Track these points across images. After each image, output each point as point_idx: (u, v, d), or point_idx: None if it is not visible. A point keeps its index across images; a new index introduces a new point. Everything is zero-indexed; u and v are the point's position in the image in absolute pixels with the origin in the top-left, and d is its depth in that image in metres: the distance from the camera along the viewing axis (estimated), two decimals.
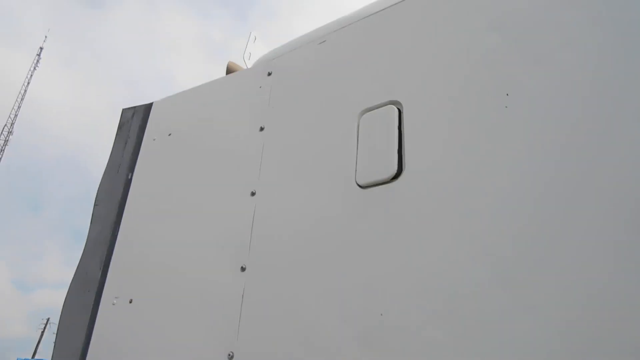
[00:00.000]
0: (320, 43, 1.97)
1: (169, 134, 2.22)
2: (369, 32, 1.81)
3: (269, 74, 2.06)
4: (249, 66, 2.40)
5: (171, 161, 2.12)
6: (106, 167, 2.33)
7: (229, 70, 2.65)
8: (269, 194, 1.73)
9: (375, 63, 1.72)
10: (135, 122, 2.43)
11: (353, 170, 1.56)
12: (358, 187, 1.52)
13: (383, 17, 1.78)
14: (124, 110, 2.52)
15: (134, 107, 2.51)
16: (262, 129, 1.91)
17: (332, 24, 2.00)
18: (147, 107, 2.43)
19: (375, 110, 1.61)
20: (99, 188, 2.26)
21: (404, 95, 1.57)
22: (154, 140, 2.25)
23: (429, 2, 1.65)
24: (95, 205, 2.23)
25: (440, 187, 1.33)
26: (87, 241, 2.13)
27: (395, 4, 1.76)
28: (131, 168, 2.23)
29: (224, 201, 1.83)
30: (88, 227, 2.16)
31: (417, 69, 1.58)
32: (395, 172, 1.45)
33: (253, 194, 1.77)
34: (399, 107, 1.56)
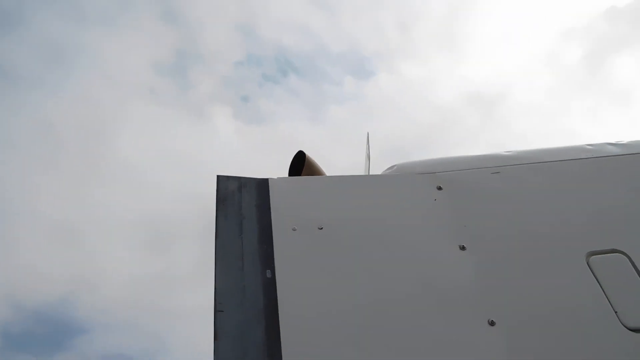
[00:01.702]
0: (494, 173, 2.01)
1: (320, 228, 1.75)
2: (560, 175, 1.98)
3: (439, 188, 1.94)
4: (371, 167, 2.19)
5: (339, 265, 1.65)
6: (218, 255, 1.61)
7: (308, 162, 2.35)
8: (514, 325, 1.54)
9: (580, 207, 1.87)
10: (247, 199, 1.82)
11: (610, 311, 1.57)
12: (627, 330, 1.53)
13: (579, 166, 2.00)
14: (222, 179, 1.86)
15: (238, 178, 1.89)
16: (463, 247, 1.74)
17: (502, 156, 2.09)
18: (261, 183, 1.87)
19: (604, 256, 1.72)
20: (217, 286, 1.52)
21: (628, 245, 1.74)
22: (295, 230, 1.72)
23: None
24: (217, 310, 1.47)
25: None
26: None
27: (592, 157, 2.01)
28: (267, 264, 1.62)
29: (444, 330, 1.52)
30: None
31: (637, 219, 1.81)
32: None
33: (492, 323, 1.54)
34: (627, 256, 1.72)
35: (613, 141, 2.21)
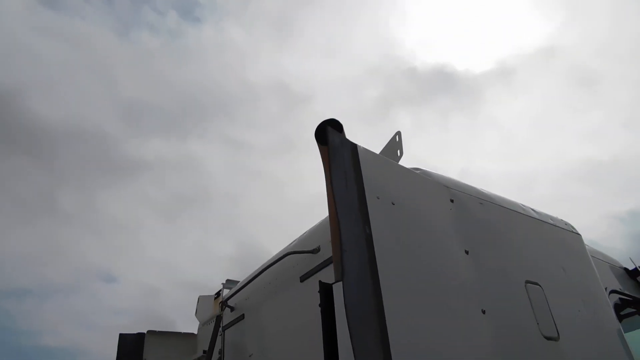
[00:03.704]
0: (480, 203, 2.66)
1: (393, 203, 2.07)
2: (514, 221, 2.74)
3: (452, 201, 2.48)
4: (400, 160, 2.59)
5: (406, 236, 2.01)
6: (338, 201, 1.78)
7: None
8: (500, 312, 2.18)
9: (522, 247, 2.66)
10: (346, 156, 2.00)
11: (535, 322, 2.36)
12: (544, 339, 2.33)
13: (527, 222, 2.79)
14: (330, 131, 1.99)
15: (340, 135, 2.04)
16: (467, 252, 2.30)
17: (484, 193, 2.74)
18: (353, 147, 2.07)
19: (532, 285, 2.52)
20: (343, 229, 1.71)
21: (541, 281, 2.59)
22: (378, 199, 2.00)
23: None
24: (343, 250, 1.67)
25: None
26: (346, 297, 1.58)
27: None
28: (365, 221, 1.86)
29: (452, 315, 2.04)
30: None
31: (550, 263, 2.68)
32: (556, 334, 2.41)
33: (484, 312, 2.14)
34: (540, 286, 2.55)
35: (533, 207, 3.13)
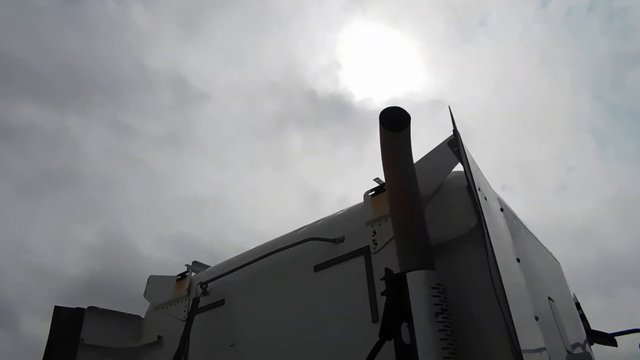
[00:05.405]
0: (514, 219, 2.80)
1: (485, 198, 2.08)
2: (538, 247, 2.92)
3: (502, 210, 2.57)
4: None
5: (494, 235, 2.03)
6: (474, 182, 1.75)
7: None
8: (544, 323, 2.27)
9: (540, 266, 2.83)
10: (458, 142, 1.97)
11: (559, 334, 2.50)
12: (567, 353, 2.48)
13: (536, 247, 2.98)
14: (451, 111, 1.95)
15: (455, 126, 2.00)
16: (518, 260, 2.39)
17: (514, 213, 2.89)
18: (458, 135, 2.04)
19: (551, 301, 2.69)
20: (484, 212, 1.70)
21: (553, 297, 2.77)
22: (479, 190, 2.00)
23: None
24: (487, 230, 1.64)
25: None
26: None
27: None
28: (479, 209, 1.85)
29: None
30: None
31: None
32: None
33: (537, 319, 2.22)
34: (555, 303, 2.73)
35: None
